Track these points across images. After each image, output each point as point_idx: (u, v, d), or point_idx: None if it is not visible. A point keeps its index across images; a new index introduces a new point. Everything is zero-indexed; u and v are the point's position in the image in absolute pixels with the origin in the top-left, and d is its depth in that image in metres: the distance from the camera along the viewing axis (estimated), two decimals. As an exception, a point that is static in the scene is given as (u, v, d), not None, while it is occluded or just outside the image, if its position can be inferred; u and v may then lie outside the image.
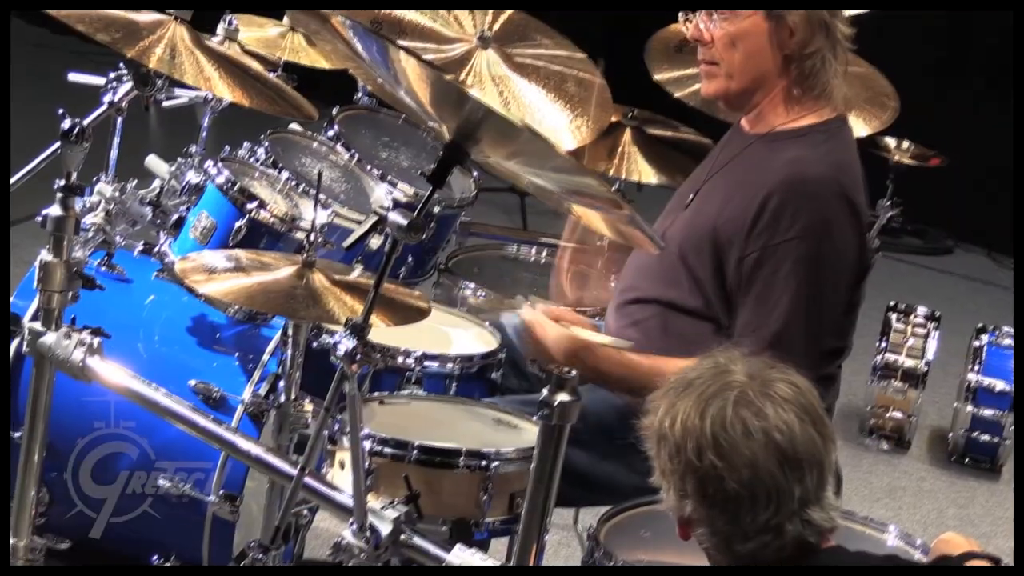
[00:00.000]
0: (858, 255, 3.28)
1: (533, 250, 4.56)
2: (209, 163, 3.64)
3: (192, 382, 3.51)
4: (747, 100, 3.40)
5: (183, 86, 3.72)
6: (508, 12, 4.13)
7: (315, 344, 3.42)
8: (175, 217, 3.62)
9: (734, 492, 2.23)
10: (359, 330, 2.54)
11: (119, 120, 3.70)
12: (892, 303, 6.08)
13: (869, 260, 3.35)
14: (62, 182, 2.97)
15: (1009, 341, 5.88)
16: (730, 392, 2.28)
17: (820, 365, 3.22)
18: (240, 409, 3.48)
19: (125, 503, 3.56)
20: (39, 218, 2.99)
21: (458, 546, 2.59)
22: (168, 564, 3.54)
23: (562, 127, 3.96)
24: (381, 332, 2.88)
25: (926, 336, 5.98)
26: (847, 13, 3.38)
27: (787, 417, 2.25)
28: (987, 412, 5.79)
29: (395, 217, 2.55)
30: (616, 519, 2.97)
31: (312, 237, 3.00)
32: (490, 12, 4.11)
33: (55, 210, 2.97)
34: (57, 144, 3.06)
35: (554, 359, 3.24)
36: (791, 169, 3.23)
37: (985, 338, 5.88)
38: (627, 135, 4.51)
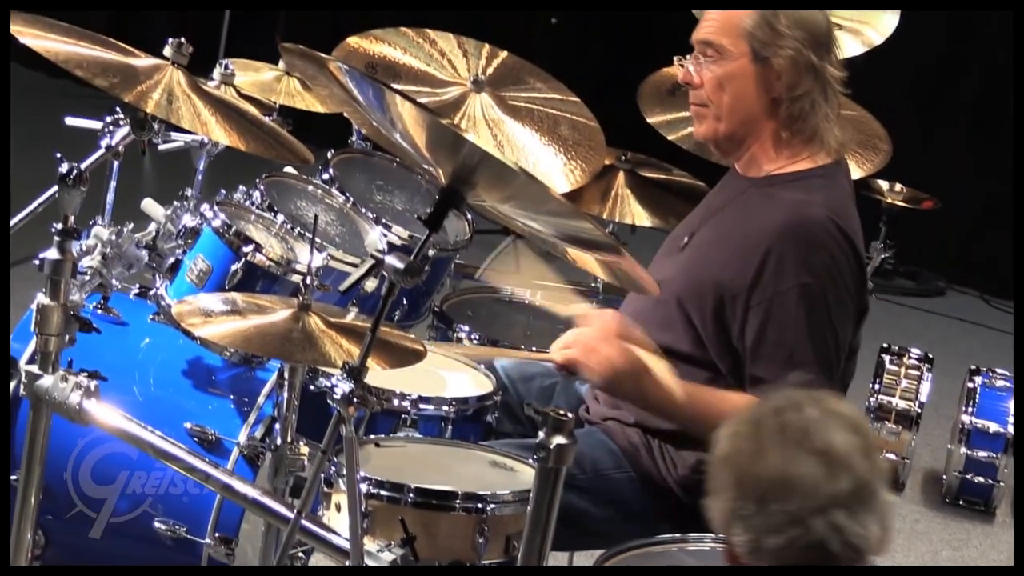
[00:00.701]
0: (858, 297, 3.29)
1: (527, 293, 4.57)
2: (205, 207, 3.65)
3: (188, 425, 3.51)
4: (737, 143, 3.41)
5: (179, 130, 3.74)
6: (502, 55, 4.16)
7: (311, 387, 3.43)
8: (171, 260, 3.62)
9: (767, 478, 2.21)
10: (356, 373, 2.55)
11: (116, 164, 3.71)
12: (885, 345, 6.10)
13: (867, 303, 3.36)
14: (59, 226, 2.98)
15: (1003, 383, 5.89)
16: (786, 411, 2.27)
17: None
18: (236, 452, 3.48)
19: (125, 503, 3.55)
20: (36, 261, 3.00)
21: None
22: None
23: (556, 170, 3.98)
24: (376, 375, 2.89)
25: (919, 378, 5.99)
26: (840, 56, 3.40)
27: (835, 422, 2.24)
28: (981, 454, 5.80)
29: (392, 261, 2.56)
30: (613, 560, 2.96)
31: (308, 280, 3.01)
32: (484, 56, 4.14)
33: (52, 253, 2.97)
34: (54, 188, 3.07)
35: (596, 368, 3.21)
36: (790, 215, 3.24)
37: (978, 380, 5.90)
38: (620, 178, 4.53)
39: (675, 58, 3.49)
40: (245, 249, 3.51)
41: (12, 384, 3.51)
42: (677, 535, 2.91)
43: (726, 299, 3.24)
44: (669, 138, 4.36)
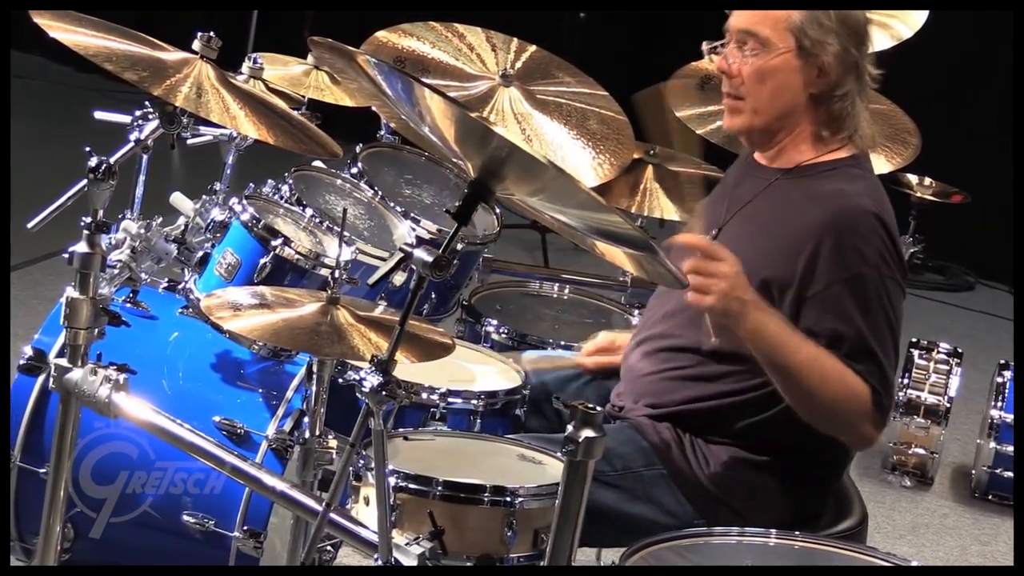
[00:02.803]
0: (903, 293, 3.28)
1: (555, 287, 4.57)
2: (234, 200, 3.66)
3: (216, 418, 3.53)
4: (770, 137, 3.38)
5: (208, 124, 3.74)
6: (530, 50, 4.15)
7: (339, 380, 3.43)
8: (200, 254, 3.63)
9: None
10: (384, 366, 2.55)
11: (145, 158, 3.72)
12: (914, 340, 6.08)
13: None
14: (89, 219, 2.99)
15: (1034, 377, 5.88)
16: None
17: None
18: (264, 445, 3.49)
19: (125, 503, 3.56)
20: (65, 255, 3.01)
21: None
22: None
23: (584, 164, 3.97)
24: (405, 368, 2.89)
25: (948, 372, 5.98)
26: (872, 50, 3.38)
27: None
28: (1010, 448, 5.78)
29: (420, 254, 2.56)
30: (639, 554, 2.95)
31: (336, 274, 3.01)
32: (512, 50, 4.14)
33: (82, 247, 2.99)
34: (84, 182, 3.08)
35: (717, 296, 3.06)
36: (837, 206, 3.21)
37: (1008, 374, 5.87)
38: (649, 172, 4.52)
39: (704, 45, 3.45)
40: (274, 243, 3.51)
41: (40, 378, 3.53)
42: (702, 528, 2.90)
43: (773, 294, 3.20)
44: (699, 131, 4.35)
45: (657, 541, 2.84)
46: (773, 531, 2.85)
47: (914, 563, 2.95)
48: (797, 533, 2.88)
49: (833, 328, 3.15)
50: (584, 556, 4.30)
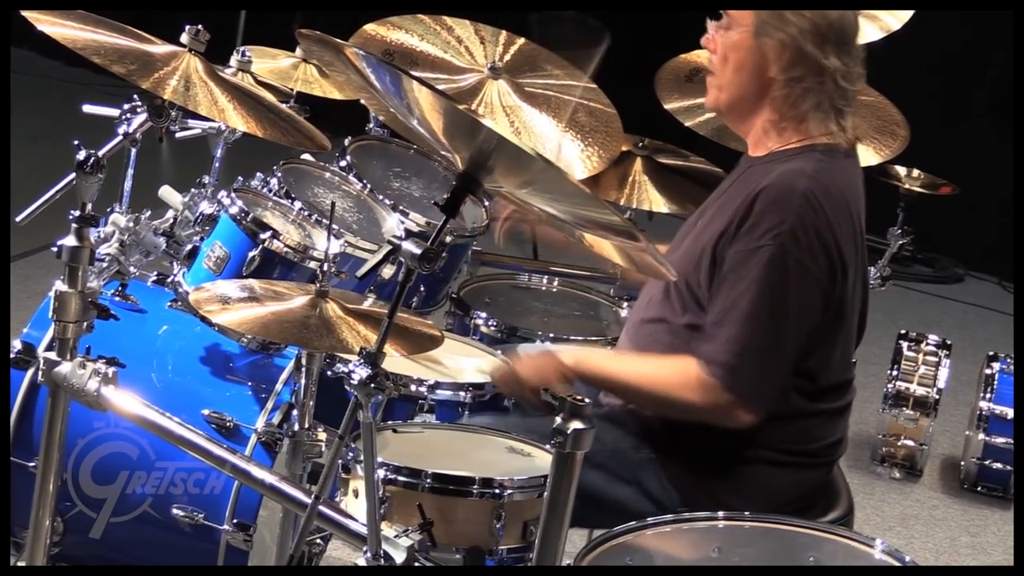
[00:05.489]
0: (829, 282, 3.26)
1: (544, 279, 4.57)
2: (222, 193, 3.65)
3: (205, 411, 3.53)
4: (739, 116, 3.43)
5: (196, 117, 3.74)
6: (519, 42, 4.16)
7: (328, 373, 3.43)
8: (188, 247, 3.63)
9: None
10: (373, 358, 2.55)
11: (133, 151, 3.72)
12: (903, 331, 6.10)
13: (851, 293, 3.33)
14: (77, 213, 2.99)
15: (1021, 369, 5.89)
16: None
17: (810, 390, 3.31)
18: (254, 438, 3.49)
19: (125, 503, 3.56)
20: (54, 248, 3.01)
21: None
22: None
23: (573, 156, 3.98)
24: (394, 361, 2.89)
25: (937, 364, 5.99)
26: (861, 42, 3.38)
27: None
28: (999, 440, 5.79)
29: (409, 246, 2.56)
30: (602, 548, 2.93)
31: (325, 267, 3.02)
32: (501, 43, 4.14)
33: (70, 240, 2.99)
34: (72, 175, 3.08)
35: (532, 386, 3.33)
36: (780, 178, 3.25)
37: (996, 366, 5.89)
38: (638, 164, 4.52)
39: (708, 21, 3.49)
40: (262, 236, 3.51)
41: (30, 372, 3.53)
42: (669, 516, 2.90)
43: (717, 256, 3.28)
44: (686, 124, 4.35)
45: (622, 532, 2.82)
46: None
47: (907, 558, 2.95)
48: (747, 513, 2.88)
49: (717, 292, 3.24)
50: (572, 546, 4.30)
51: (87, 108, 3.88)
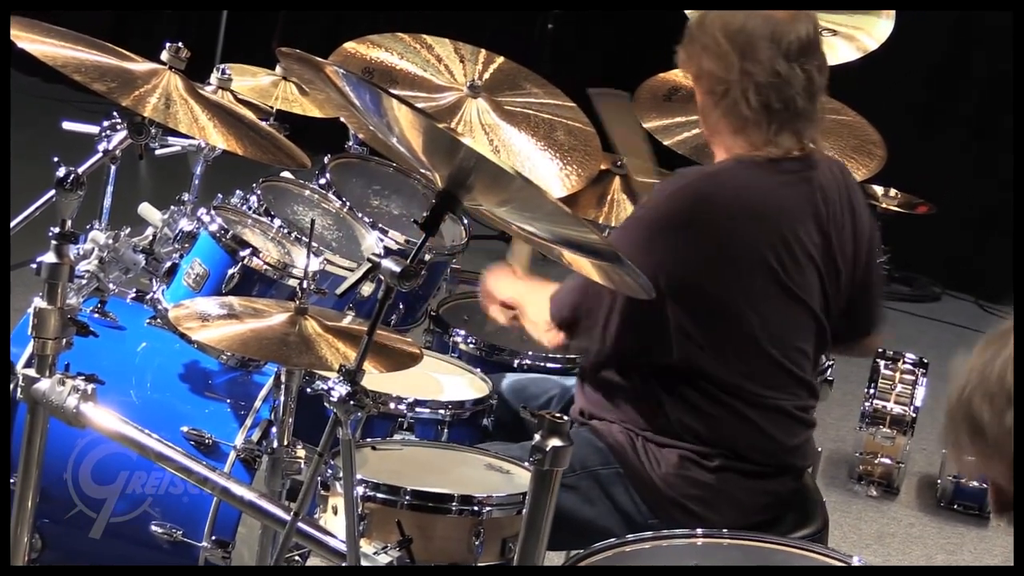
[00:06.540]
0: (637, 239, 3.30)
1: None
2: (202, 211, 3.66)
3: (184, 428, 3.53)
4: (710, 134, 3.43)
5: (176, 134, 3.75)
6: (498, 61, 4.17)
7: (308, 390, 3.44)
8: (168, 264, 3.64)
9: None
10: (352, 376, 2.56)
11: (113, 168, 3.72)
12: (880, 350, 6.11)
13: (744, 297, 3.30)
14: (57, 230, 2.99)
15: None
16: None
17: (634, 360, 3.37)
18: (232, 455, 3.49)
19: (125, 503, 3.56)
20: (34, 265, 3.00)
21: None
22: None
23: (551, 175, 3.99)
24: (373, 378, 2.90)
25: (914, 383, 6.01)
26: (831, 61, 3.38)
27: None
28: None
29: (388, 264, 2.57)
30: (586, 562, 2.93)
31: (305, 284, 3.02)
32: (480, 61, 4.15)
33: (50, 257, 2.98)
34: (52, 192, 3.08)
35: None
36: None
37: (973, 385, 5.90)
38: (616, 183, 4.53)
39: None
40: (242, 253, 3.52)
41: (10, 387, 3.53)
42: (648, 533, 2.90)
43: None
44: (665, 143, 4.36)
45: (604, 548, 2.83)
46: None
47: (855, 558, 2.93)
48: (724, 531, 2.90)
49: None
50: (548, 562, 4.31)
51: (67, 125, 3.89)
